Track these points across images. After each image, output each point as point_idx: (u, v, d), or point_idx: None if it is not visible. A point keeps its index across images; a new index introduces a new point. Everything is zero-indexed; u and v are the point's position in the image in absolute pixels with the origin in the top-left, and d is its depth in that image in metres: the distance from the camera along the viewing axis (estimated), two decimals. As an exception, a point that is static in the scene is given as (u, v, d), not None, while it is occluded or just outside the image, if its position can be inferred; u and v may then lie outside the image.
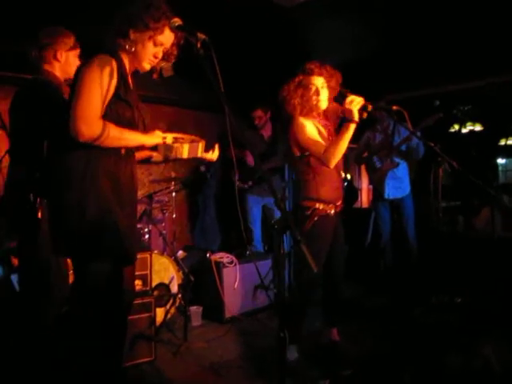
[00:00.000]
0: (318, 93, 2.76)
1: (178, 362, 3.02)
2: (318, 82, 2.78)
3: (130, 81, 2.04)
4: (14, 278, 4.00)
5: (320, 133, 2.80)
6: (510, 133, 7.28)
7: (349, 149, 2.85)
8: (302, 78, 2.80)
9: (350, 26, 3.91)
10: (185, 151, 2.08)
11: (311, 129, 2.78)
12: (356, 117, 2.57)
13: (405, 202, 4.52)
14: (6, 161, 3.68)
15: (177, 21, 1.91)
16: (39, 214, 2.57)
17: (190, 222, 5.59)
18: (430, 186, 2.83)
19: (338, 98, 2.72)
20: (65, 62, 2.66)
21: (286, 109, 2.82)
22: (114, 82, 1.84)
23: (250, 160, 4.59)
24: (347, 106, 2.59)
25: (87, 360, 1.91)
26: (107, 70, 1.82)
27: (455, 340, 2.68)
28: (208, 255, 3.94)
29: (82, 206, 1.83)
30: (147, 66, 2.02)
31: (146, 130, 2.08)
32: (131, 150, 2.04)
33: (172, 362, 3.03)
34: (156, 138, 2.04)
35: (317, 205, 2.76)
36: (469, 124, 6.29)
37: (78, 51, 2.72)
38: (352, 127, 2.60)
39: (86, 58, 1.91)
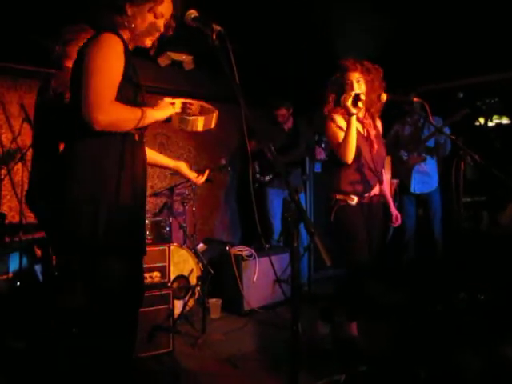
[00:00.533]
0: (352, 88, 2.80)
1: (195, 354, 3.05)
2: (354, 76, 2.82)
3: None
4: (38, 268, 4.09)
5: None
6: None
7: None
8: (339, 76, 2.88)
9: (372, 16, 3.84)
10: (200, 124, 1.96)
11: (335, 128, 2.88)
12: (350, 110, 2.67)
13: (432, 197, 4.45)
14: (31, 153, 3.79)
15: (193, 12, 1.86)
16: None
17: (211, 214, 5.60)
18: (452, 181, 2.77)
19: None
20: None
21: (324, 108, 2.95)
22: (123, 62, 1.73)
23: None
24: (342, 105, 2.72)
25: (99, 357, 1.83)
26: (116, 51, 1.71)
27: (476, 338, 2.63)
28: (227, 248, 3.95)
29: (95, 201, 1.72)
30: (149, 42, 1.90)
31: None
32: (143, 135, 1.94)
33: (190, 353, 3.06)
34: (167, 109, 1.90)
35: (337, 196, 2.88)
36: (495, 117, 6.13)
37: None
38: (351, 120, 2.70)
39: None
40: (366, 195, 2.91)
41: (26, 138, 4.14)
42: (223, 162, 4.79)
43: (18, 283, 3.83)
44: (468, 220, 4.03)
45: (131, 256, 1.86)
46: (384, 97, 2.79)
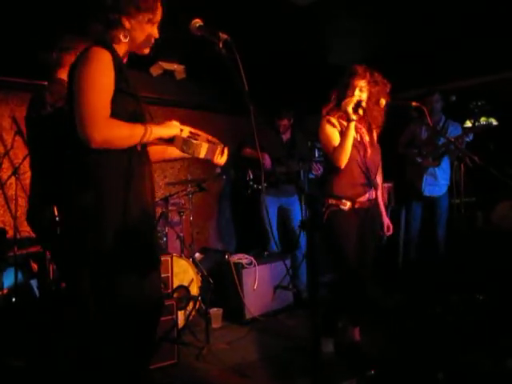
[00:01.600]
0: (353, 93, 2.82)
1: (201, 364, 3.02)
2: (359, 83, 2.83)
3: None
4: (34, 282, 4.02)
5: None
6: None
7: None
8: (349, 79, 2.87)
9: (364, 22, 3.89)
10: (203, 151, 1.90)
11: (329, 130, 2.89)
12: (351, 115, 2.72)
13: (440, 201, 4.45)
14: (24, 166, 3.74)
15: (198, 21, 1.88)
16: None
17: (205, 223, 5.58)
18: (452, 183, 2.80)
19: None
20: None
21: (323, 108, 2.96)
22: (112, 75, 1.70)
23: (268, 163, 4.58)
24: (342, 109, 2.77)
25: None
26: (104, 64, 1.69)
27: (483, 339, 2.65)
28: (227, 257, 3.94)
29: (98, 214, 1.70)
30: (147, 50, 1.91)
31: (152, 121, 1.92)
32: (145, 146, 1.90)
33: (195, 364, 3.03)
34: (173, 128, 1.86)
35: (329, 200, 2.88)
36: (483, 119, 6.22)
37: None
38: (350, 126, 2.74)
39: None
40: (359, 200, 2.90)
41: (19, 151, 4.10)
42: (218, 170, 4.79)
43: (14, 299, 3.75)
44: (463, 220, 4.06)
45: (143, 268, 1.81)
46: (383, 102, 2.81)
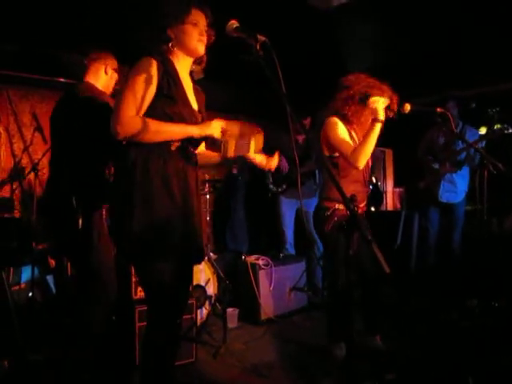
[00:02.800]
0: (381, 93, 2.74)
1: (218, 364, 3.03)
2: (388, 91, 2.76)
3: (187, 80, 2.08)
4: (50, 278, 4.05)
5: (352, 137, 2.83)
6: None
7: (379, 151, 2.87)
8: (377, 81, 2.79)
9: (382, 28, 3.91)
10: (230, 149, 1.92)
11: (343, 129, 2.81)
12: (381, 115, 2.60)
13: (457, 207, 4.43)
14: (43, 162, 3.77)
15: (234, 23, 1.88)
16: (80, 219, 2.60)
17: (222, 224, 5.60)
18: (475, 189, 2.81)
19: (362, 99, 2.74)
20: (110, 78, 2.83)
21: (333, 105, 2.85)
22: (154, 80, 1.88)
23: (284, 165, 4.59)
24: (371, 106, 2.64)
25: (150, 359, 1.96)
26: (146, 71, 1.87)
27: (503, 344, 2.65)
28: (243, 257, 3.95)
29: (131, 208, 1.85)
30: (201, 48, 2.03)
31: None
32: (185, 147, 1.98)
33: (213, 363, 3.04)
34: (207, 128, 1.95)
35: (337, 205, 2.79)
36: (497, 126, 6.22)
37: (117, 76, 2.88)
38: (378, 126, 2.61)
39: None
40: (361, 206, 2.88)
41: (38, 147, 4.13)
42: (234, 171, 4.81)
43: (30, 294, 3.77)
44: (483, 226, 4.06)
45: (172, 262, 1.93)
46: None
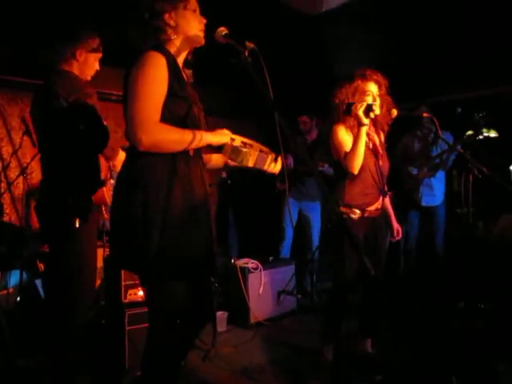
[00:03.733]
0: (374, 99, 2.78)
1: (208, 367, 3.04)
2: (374, 89, 2.80)
3: (184, 73, 1.94)
4: (39, 283, 4.02)
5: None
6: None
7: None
8: (360, 83, 2.80)
9: (370, 34, 3.96)
10: (252, 159, 1.89)
11: (343, 136, 2.82)
12: (362, 119, 2.65)
13: (438, 210, 4.53)
14: (32, 166, 3.76)
15: (223, 30, 1.90)
16: (77, 221, 2.57)
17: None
18: (460, 193, 2.86)
19: (346, 111, 2.80)
20: (83, 63, 2.61)
21: (332, 115, 2.87)
22: (166, 78, 1.73)
23: (290, 161, 4.63)
24: (354, 113, 2.70)
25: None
26: (158, 68, 1.71)
27: (489, 345, 2.70)
28: (233, 261, 3.96)
29: (147, 219, 1.67)
30: (201, 35, 1.89)
31: (206, 127, 1.93)
32: (199, 151, 1.89)
33: (202, 366, 3.04)
34: (224, 136, 1.86)
35: (340, 208, 2.80)
36: (484, 130, 6.29)
37: (99, 55, 2.69)
38: (362, 130, 2.68)
39: (131, 59, 1.78)
40: (369, 209, 2.87)
41: (27, 151, 4.12)
42: (224, 175, 4.83)
43: (18, 298, 3.75)
44: (468, 230, 4.12)
45: (189, 278, 1.79)
46: (394, 112, 2.81)
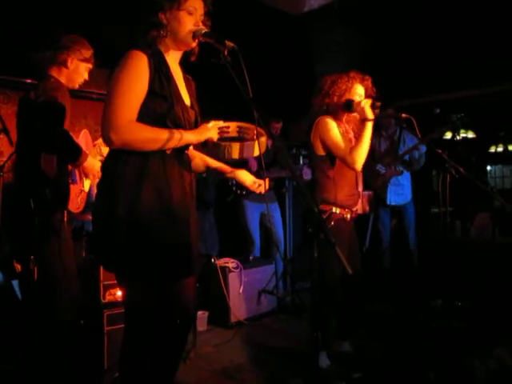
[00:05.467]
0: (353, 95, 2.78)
1: (188, 367, 3.02)
2: (361, 90, 2.82)
3: (178, 72, 1.92)
4: (16, 283, 3.96)
5: (343, 135, 2.83)
6: (498, 140, 7.45)
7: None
8: (348, 80, 2.79)
9: (352, 35, 4.00)
10: (235, 151, 1.82)
11: (336, 130, 2.79)
12: (370, 114, 2.65)
13: (407, 208, 4.62)
14: (9, 165, 3.69)
15: (203, 28, 1.90)
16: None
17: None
18: (435, 193, 2.90)
19: (346, 106, 2.78)
20: (73, 70, 2.65)
21: (320, 102, 2.83)
22: (146, 77, 1.70)
23: (254, 165, 4.61)
24: (358, 108, 2.69)
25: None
26: (138, 68, 1.69)
27: (466, 342, 2.74)
28: (213, 260, 3.96)
29: (114, 215, 1.67)
30: (193, 43, 1.86)
31: (194, 127, 1.88)
32: (181, 150, 1.84)
33: (182, 366, 3.00)
34: (205, 132, 1.82)
35: (334, 209, 2.78)
36: (462, 131, 6.40)
37: (90, 66, 2.72)
38: (369, 125, 2.67)
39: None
40: (354, 209, 2.90)
41: (4, 149, 4.05)
42: (204, 175, 4.80)
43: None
44: (444, 229, 4.18)
45: (163, 278, 1.76)
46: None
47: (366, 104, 2.66)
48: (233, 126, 1.91)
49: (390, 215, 4.76)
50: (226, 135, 1.85)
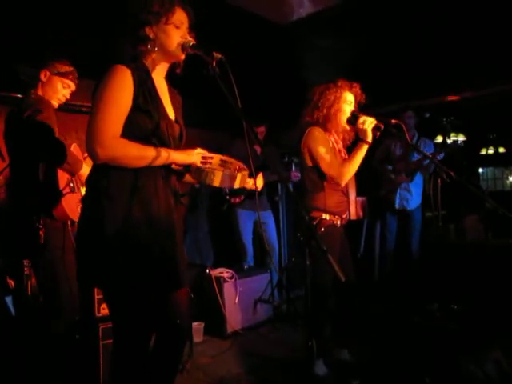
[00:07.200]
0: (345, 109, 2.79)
1: (185, 378, 3.01)
2: (351, 97, 2.82)
3: (163, 86, 1.94)
4: (9, 300, 3.92)
5: (333, 148, 2.85)
6: (489, 143, 7.51)
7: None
8: (336, 90, 2.80)
9: (339, 42, 4.02)
10: (216, 179, 1.85)
11: (324, 143, 2.81)
12: (370, 137, 2.66)
13: (414, 214, 4.62)
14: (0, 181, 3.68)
15: (190, 40, 1.90)
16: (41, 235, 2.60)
17: (184, 237, 5.56)
18: (427, 196, 2.92)
19: (351, 120, 2.80)
20: (46, 83, 2.69)
21: (310, 113, 2.85)
22: (130, 93, 1.71)
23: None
24: (360, 127, 2.68)
25: None
26: (121, 83, 1.70)
27: (462, 346, 2.74)
28: (208, 271, 3.94)
29: (100, 230, 1.66)
30: (182, 56, 1.87)
31: (178, 142, 1.92)
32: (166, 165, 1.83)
33: (179, 378, 2.99)
34: (191, 156, 1.85)
35: (323, 215, 2.81)
36: (452, 135, 6.44)
37: (65, 81, 2.74)
38: (365, 148, 2.69)
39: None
40: (344, 216, 2.93)
41: (-4, 165, 4.03)
42: (197, 185, 4.80)
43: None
44: (439, 233, 4.20)
45: (149, 292, 1.75)
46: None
47: (369, 126, 2.65)
48: (216, 159, 1.94)
49: (397, 220, 4.76)
50: (207, 166, 1.88)
